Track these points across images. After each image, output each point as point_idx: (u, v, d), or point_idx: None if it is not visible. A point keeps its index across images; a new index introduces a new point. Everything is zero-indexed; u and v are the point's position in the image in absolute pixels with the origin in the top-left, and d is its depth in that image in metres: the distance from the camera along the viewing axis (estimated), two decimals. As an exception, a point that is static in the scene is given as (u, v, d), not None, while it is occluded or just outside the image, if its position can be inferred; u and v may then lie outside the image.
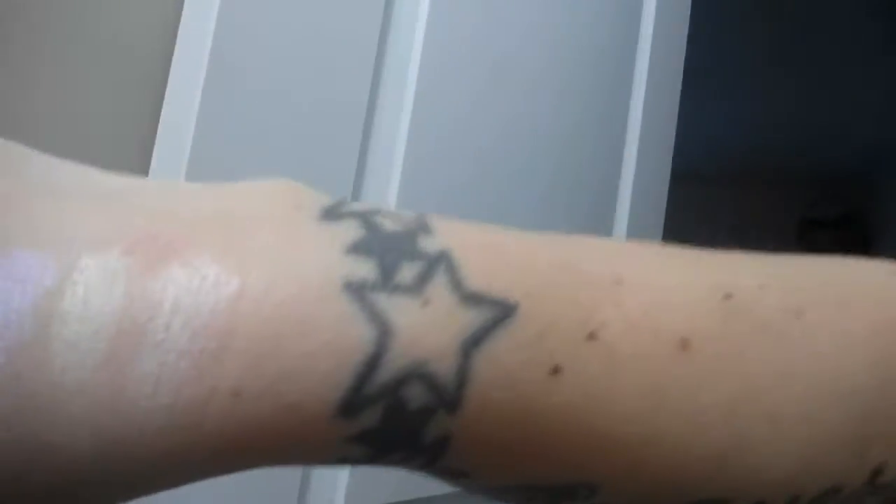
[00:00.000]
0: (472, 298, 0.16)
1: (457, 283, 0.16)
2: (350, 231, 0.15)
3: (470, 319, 0.16)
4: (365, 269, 0.15)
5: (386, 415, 0.15)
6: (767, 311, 0.19)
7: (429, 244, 0.16)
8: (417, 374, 0.15)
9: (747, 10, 2.12)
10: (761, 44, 2.30)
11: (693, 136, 1.22)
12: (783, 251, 0.21)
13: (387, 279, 0.15)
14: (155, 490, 0.15)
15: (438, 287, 0.15)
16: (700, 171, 2.97)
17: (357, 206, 0.16)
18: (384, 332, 0.15)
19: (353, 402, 0.15)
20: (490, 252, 0.17)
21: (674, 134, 0.99)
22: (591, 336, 0.17)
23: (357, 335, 0.15)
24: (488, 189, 0.72)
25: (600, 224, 0.89)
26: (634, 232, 0.91)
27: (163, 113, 0.50)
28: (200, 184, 0.17)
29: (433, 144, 0.67)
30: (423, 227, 0.16)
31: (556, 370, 0.16)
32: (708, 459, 0.18)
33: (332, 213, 0.16)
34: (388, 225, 0.16)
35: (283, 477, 0.56)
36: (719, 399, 0.18)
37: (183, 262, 0.14)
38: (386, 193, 0.63)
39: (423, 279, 0.15)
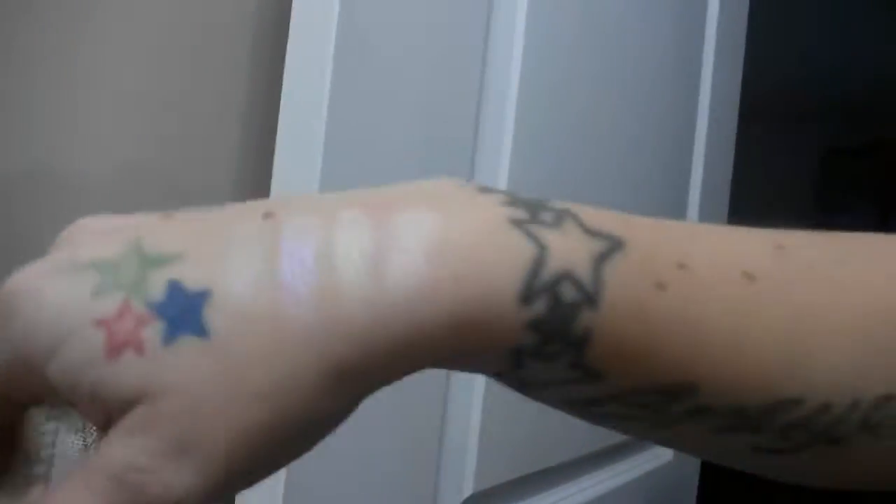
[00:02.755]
0: (593, 233, 0.22)
1: (581, 224, 0.22)
2: (502, 197, 0.22)
3: (595, 244, 0.21)
4: (519, 213, 0.21)
5: (549, 305, 0.20)
6: (812, 258, 0.24)
7: (555, 205, 0.22)
8: (567, 277, 0.20)
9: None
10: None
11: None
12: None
13: (534, 218, 0.21)
14: (405, 368, 0.20)
15: (569, 225, 0.21)
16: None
17: (497, 188, 0.23)
18: (542, 247, 0.21)
19: (528, 291, 0.20)
20: (597, 212, 0.23)
21: (740, 77, 1.08)
22: (681, 265, 0.22)
23: (525, 248, 0.20)
24: (589, 146, 0.82)
25: (679, 153, 0.99)
26: (710, 167, 1.01)
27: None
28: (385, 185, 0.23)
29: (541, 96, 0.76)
30: (545, 200, 0.22)
31: (660, 285, 0.22)
32: (781, 364, 0.23)
33: (485, 190, 0.22)
34: (523, 196, 0.22)
35: (420, 452, 0.65)
36: (781, 318, 0.23)
37: (404, 214, 0.20)
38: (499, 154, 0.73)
39: (557, 220, 0.21)
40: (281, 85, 0.55)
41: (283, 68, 0.55)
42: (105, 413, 0.19)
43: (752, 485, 2.22)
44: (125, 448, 0.18)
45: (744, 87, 1.10)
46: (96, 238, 0.20)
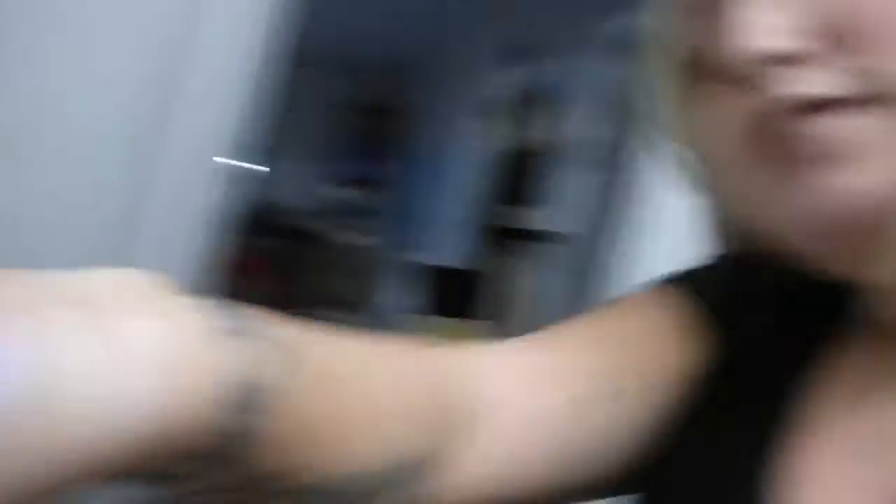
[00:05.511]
0: (276, 343, 0.24)
1: (266, 335, 0.24)
2: (197, 302, 0.22)
3: (275, 356, 0.24)
4: (220, 322, 0.23)
5: (236, 415, 0.22)
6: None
7: (243, 312, 0.24)
8: (253, 390, 0.23)
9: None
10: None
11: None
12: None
13: (234, 330, 0.23)
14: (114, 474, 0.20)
15: (258, 335, 0.24)
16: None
17: (181, 291, 0.23)
18: (241, 363, 0.23)
19: (224, 404, 0.22)
20: (276, 319, 0.25)
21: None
22: (327, 374, 0.27)
23: (228, 362, 0.22)
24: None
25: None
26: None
27: None
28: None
29: None
30: (229, 304, 0.24)
31: (308, 395, 0.26)
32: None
33: (177, 291, 0.22)
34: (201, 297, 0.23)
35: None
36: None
37: (132, 325, 0.20)
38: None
39: (248, 329, 0.24)
40: None
41: None
42: None
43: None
44: None
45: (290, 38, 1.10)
46: None
